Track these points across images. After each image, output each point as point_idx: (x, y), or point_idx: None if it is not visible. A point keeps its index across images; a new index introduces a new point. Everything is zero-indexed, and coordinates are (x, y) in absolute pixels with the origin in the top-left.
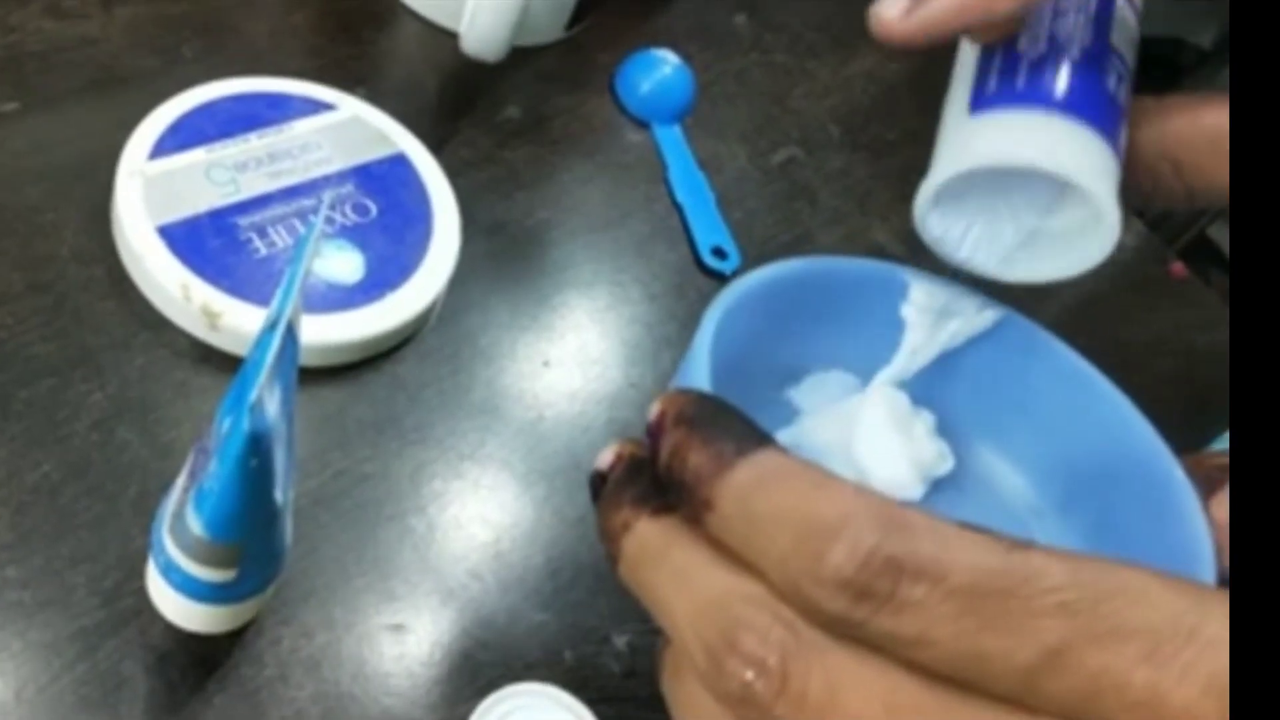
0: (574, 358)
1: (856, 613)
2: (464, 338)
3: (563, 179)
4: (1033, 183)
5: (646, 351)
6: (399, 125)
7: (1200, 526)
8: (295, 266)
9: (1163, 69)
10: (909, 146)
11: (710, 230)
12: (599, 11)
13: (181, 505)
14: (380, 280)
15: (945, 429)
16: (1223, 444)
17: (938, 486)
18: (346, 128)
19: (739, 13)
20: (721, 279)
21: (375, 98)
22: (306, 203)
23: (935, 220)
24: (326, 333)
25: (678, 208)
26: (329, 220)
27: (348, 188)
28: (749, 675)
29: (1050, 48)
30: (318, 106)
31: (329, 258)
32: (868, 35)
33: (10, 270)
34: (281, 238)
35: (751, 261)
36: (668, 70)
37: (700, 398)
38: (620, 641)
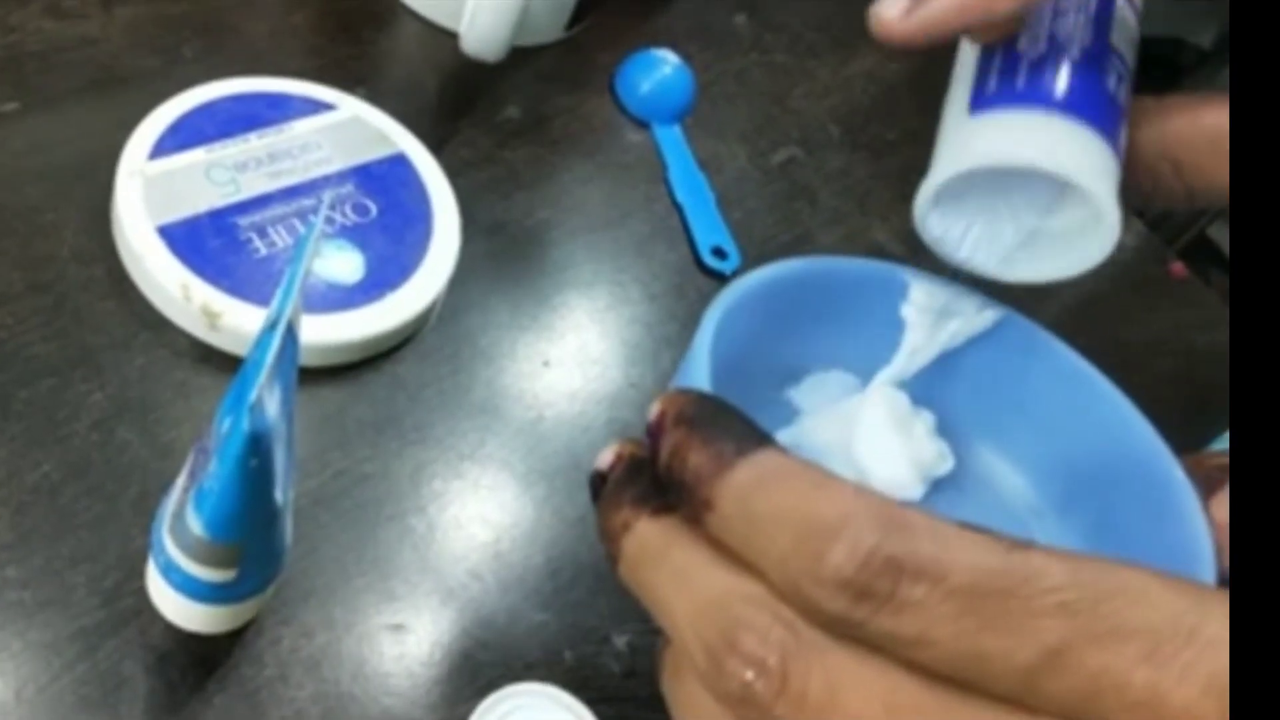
0: (574, 358)
1: (856, 613)
2: (464, 338)
3: (563, 179)
4: (1033, 183)
5: (646, 351)
6: (399, 125)
7: (1200, 527)
8: (295, 266)
9: (1163, 69)
10: (909, 146)
11: (710, 230)
12: (599, 11)
13: (181, 505)
14: (380, 280)
15: (945, 429)
16: (1222, 444)
17: (938, 486)
18: (346, 128)
19: (739, 13)
20: (721, 279)
21: (375, 98)
22: (306, 203)
23: (935, 220)
24: (326, 333)
25: (678, 208)
26: (329, 220)
27: (348, 188)
28: (749, 675)
29: (1050, 47)
30: (318, 106)
31: (329, 258)
32: (868, 35)
33: (10, 270)
34: (281, 238)
35: (751, 261)
36: (668, 70)
37: (700, 397)
38: (620, 641)
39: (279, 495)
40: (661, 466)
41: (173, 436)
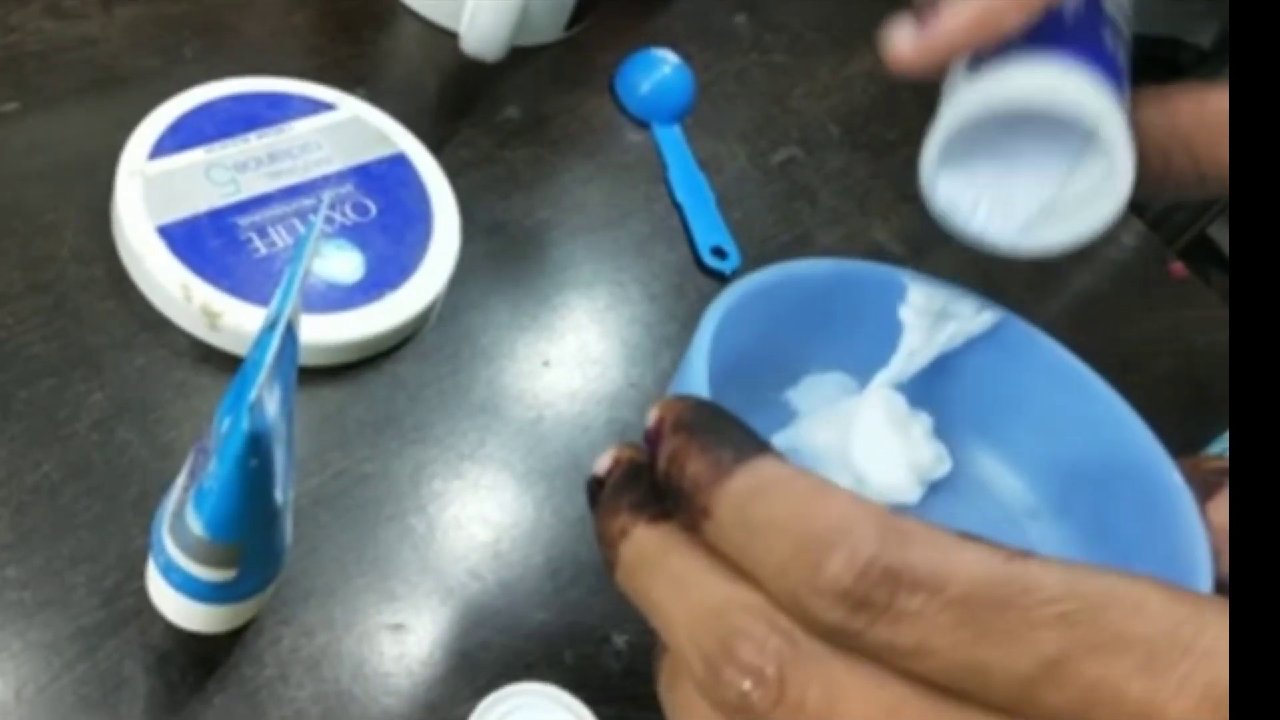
0: (574, 358)
1: (854, 623)
2: (464, 337)
3: (563, 179)
4: (1043, 146)
5: (646, 351)
6: (399, 125)
7: (1197, 530)
8: (295, 266)
9: (1162, 69)
10: (909, 146)
11: (710, 230)
12: (599, 11)
13: (181, 505)
14: (380, 280)
15: (942, 431)
16: (1222, 444)
17: (935, 489)
18: (346, 128)
19: (739, 13)
20: (721, 279)
21: (375, 98)
22: (306, 202)
23: (944, 190)
24: (326, 332)
25: (678, 208)
26: (329, 220)
27: (347, 187)
28: (746, 685)
29: (1046, 15)
30: (317, 106)
31: (329, 257)
32: (868, 35)
33: (10, 270)
34: (281, 237)
35: (751, 261)
36: (667, 70)
37: (699, 404)
38: (620, 641)
39: (279, 495)
40: (659, 473)
41: (173, 436)
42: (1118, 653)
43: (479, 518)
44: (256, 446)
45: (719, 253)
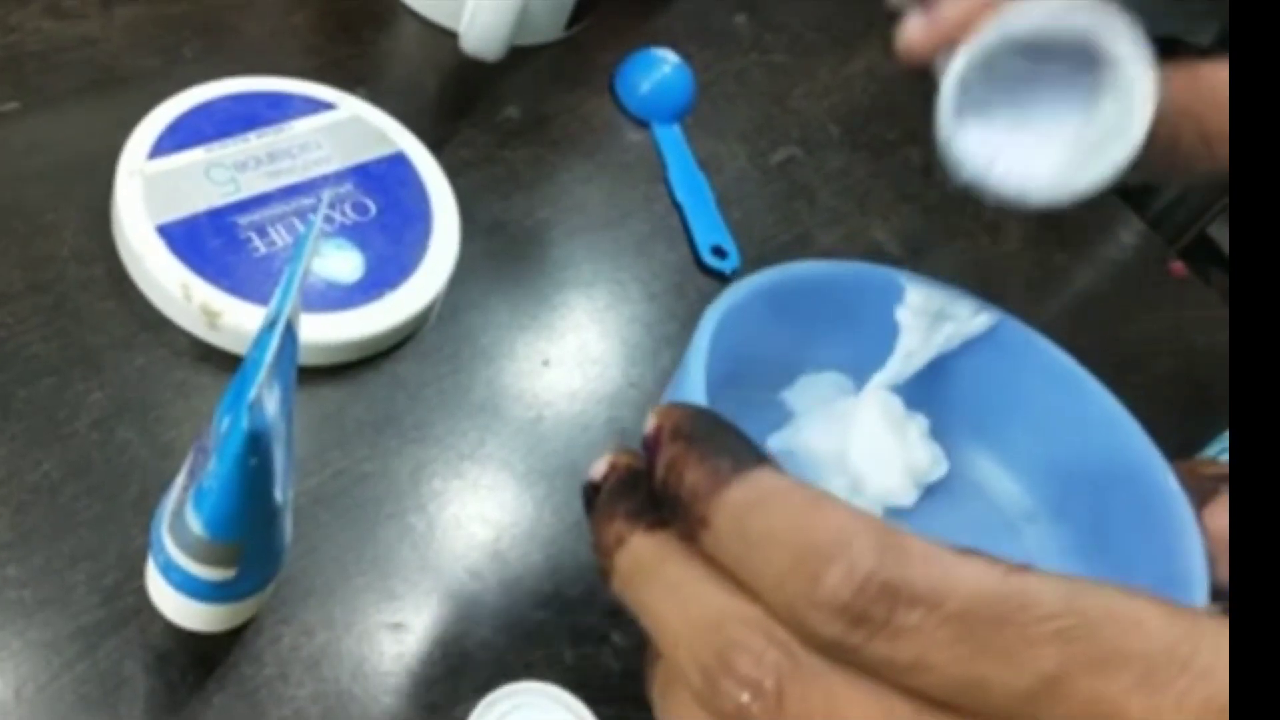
0: (574, 357)
1: (852, 637)
2: (464, 337)
3: (563, 179)
4: (1057, 96)
5: (646, 351)
6: (399, 125)
7: (1192, 536)
8: (294, 265)
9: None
10: (909, 146)
11: (710, 230)
12: (598, 11)
13: (181, 504)
14: (380, 279)
15: (939, 433)
16: (1221, 445)
17: (931, 491)
18: (346, 127)
19: (739, 12)
20: (721, 278)
21: (375, 97)
22: (306, 202)
23: (961, 143)
24: (326, 332)
25: (677, 207)
26: (329, 219)
27: (347, 187)
28: (745, 698)
29: None
30: (317, 106)
31: (329, 257)
32: (868, 35)
33: (10, 270)
34: (281, 237)
35: (751, 261)
36: (667, 70)
37: (698, 412)
38: (620, 640)
39: (278, 494)
40: (657, 481)
41: (172, 436)
42: (1116, 669)
43: (479, 517)
44: (256, 445)
45: (719, 252)
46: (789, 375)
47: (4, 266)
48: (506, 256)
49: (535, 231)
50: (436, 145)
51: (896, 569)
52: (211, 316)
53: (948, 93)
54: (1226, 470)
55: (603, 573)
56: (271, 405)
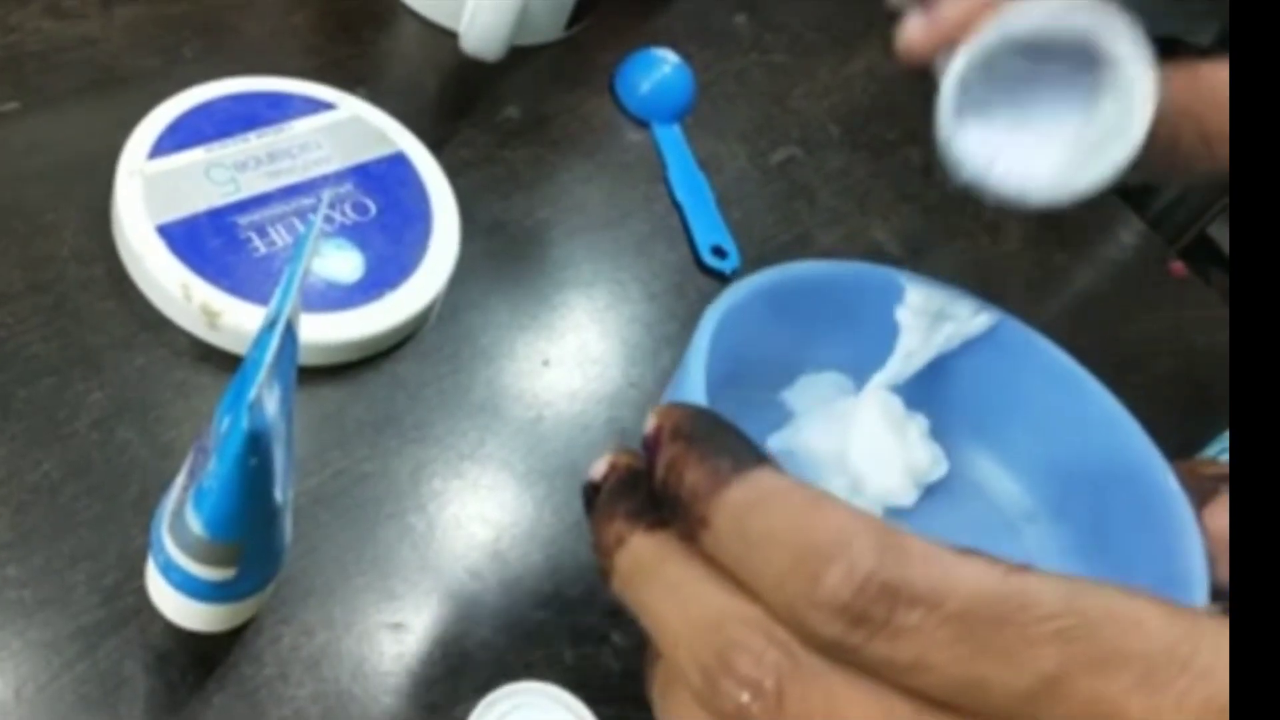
0: (574, 357)
1: (852, 637)
2: (463, 337)
3: (562, 178)
4: (1057, 97)
5: (646, 351)
6: (399, 124)
7: (1193, 537)
8: (294, 265)
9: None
10: (909, 146)
11: (710, 229)
12: (598, 11)
13: (181, 504)
14: (380, 279)
15: (939, 433)
16: (1221, 444)
17: (931, 491)
18: (346, 127)
19: (739, 12)
20: (721, 278)
21: (375, 97)
22: (306, 202)
23: (961, 143)
24: (326, 332)
25: (677, 207)
26: (329, 219)
27: (347, 187)
28: (745, 698)
29: None
30: (317, 106)
31: (328, 257)
32: (868, 35)
33: (10, 270)
34: (281, 237)
35: (751, 261)
36: (667, 70)
37: (698, 412)
38: (620, 640)
39: (278, 494)
40: (657, 481)
41: (172, 436)
42: (1117, 669)
43: (479, 517)
44: (256, 445)
45: (719, 252)
46: (789, 375)
47: (4, 266)
48: (506, 256)
49: (535, 231)
50: (436, 145)
51: (896, 569)
52: (211, 316)
53: (948, 92)
54: (1226, 470)
55: (602, 573)
56: (271, 405)
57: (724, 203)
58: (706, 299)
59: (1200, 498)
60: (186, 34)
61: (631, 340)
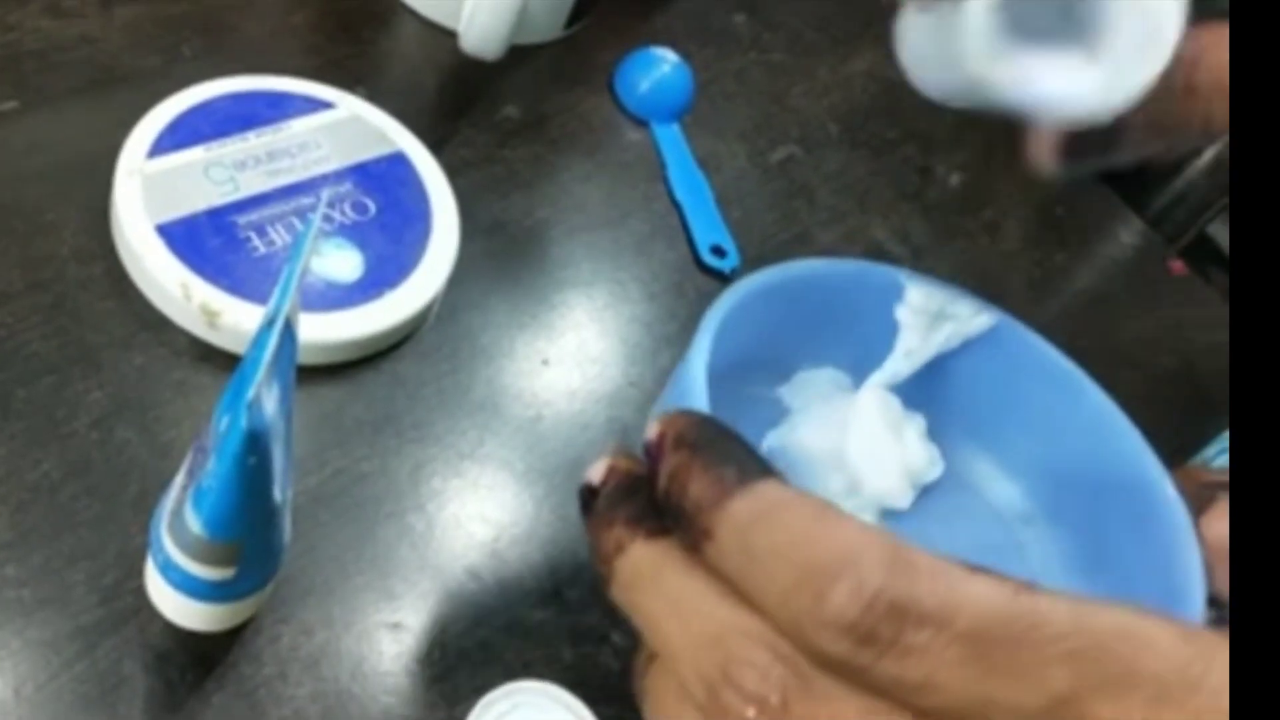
0: (573, 356)
1: (860, 657)
2: (463, 336)
3: (562, 178)
4: (1082, 19)
5: (646, 350)
6: (398, 124)
7: (1189, 545)
8: (293, 264)
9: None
10: (908, 145)
11: (709, 229)
12: (598, 10)
13: (180, 503)
14: (379, 279)
15: (936, 433)
16: (1220, 445)
17: (927, 492)
18: (345, 126)
19: (738, 12)
20: (721, 277)
21: (374, 97)
22: (305, 201)
23: (998, 63)
24: (325, 331)
25: (677, 206)
26: (328, 219)
27: (346, 186)
28: (750, 713)
29: None
30: (317, 105)
31: (328, 256)
32: (867, 34)
33: (10, 270)
34: (280, 236)
35: (751, 260)
36: (667, 69)
37: (702, 420)
38: (619, 640)
39: (277, 493)
40: (660, 490)
41: (172, 435)
42: (1127, 690)
43: (478, 516)
44: (255, 445)
45: (718, 251)
46: (785, 372)
47: (4, 266)
48: (506, 256)
49: (535, 231)
50: (436, 145)
51: (904, 587)
52: (211, 316)
53: (978, 10)
54: (1223, 478)
55: (601, 578)
56: (270, 404)
57: (723, 202)
58: (706, 298)
59: (1197, 506)
60: (186, 33)
61: (631, 339)
